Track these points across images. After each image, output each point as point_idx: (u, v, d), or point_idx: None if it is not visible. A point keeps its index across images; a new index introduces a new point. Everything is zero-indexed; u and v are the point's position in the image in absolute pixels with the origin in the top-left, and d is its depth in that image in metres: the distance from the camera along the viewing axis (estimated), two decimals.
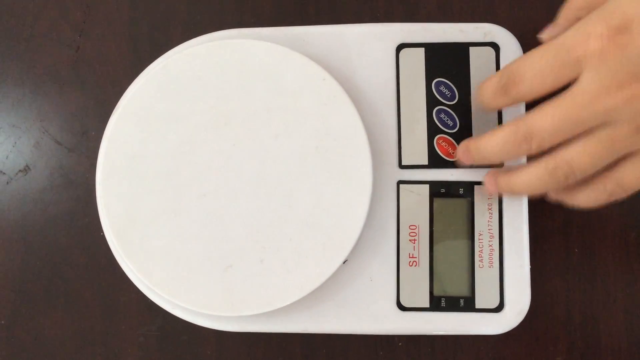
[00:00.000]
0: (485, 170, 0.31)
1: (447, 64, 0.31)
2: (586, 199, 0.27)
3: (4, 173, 0.36)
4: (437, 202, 0.31)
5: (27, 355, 0.34)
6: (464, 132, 0.31)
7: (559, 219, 0.33)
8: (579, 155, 0.25)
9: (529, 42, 0.33)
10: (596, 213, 0.33)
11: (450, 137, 0.31)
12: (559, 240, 0.33)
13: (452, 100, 0.31)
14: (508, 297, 0.31)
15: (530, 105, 0.27)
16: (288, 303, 0.29)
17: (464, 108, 0.31)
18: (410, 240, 0.31)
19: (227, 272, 0.30)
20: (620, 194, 0.26)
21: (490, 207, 0.31)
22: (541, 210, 0.33)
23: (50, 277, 0.35)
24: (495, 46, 0.31)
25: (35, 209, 0.35)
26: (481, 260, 0.31)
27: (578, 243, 0.33)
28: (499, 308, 0.31)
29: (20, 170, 0.35)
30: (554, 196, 0.28)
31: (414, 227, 0.31)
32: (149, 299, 0.32)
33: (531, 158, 0.28)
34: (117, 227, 0.30)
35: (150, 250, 0.30)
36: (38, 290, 0.35)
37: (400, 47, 0.32)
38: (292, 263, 0.30)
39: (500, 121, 0.31)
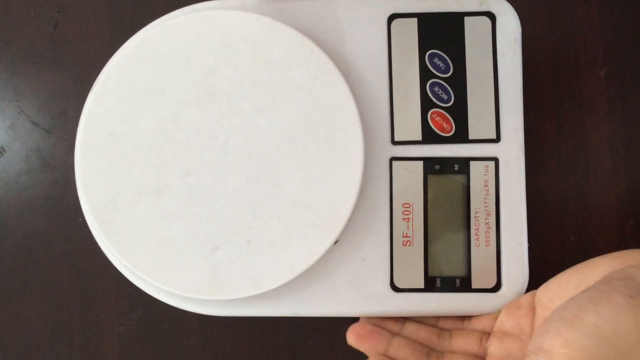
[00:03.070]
0: (482, 147, 0.30)
1: (441, 34, 0.31)
2: None
3: None
4: (432, 179, 0.30)
5: (2, 345, 0.33)
6: (459, 106, 0.31)
7: (555, 206, 0.33)
8: None
9: (526, 11, 0.33)
10: (593, 201, 0.33)
11: (445, 111, 0.31)
12: (554, 228, 0.33)
13: (447, 73, 0.31)
14: (505, 276, 0.30)
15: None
16: (277, 285, 0.29)
17: (459, 81, 0.30)
18: (403, 219, 0.30)
19: (213, 254, 0.29)
20: None
21: (486, 184, 0.30)
22: (537, 197, 0.33)
23: (26, 264, 0.34)
24: (491, 16, 0.31)
25: (11, 192, 0.34)
26: (477, 239, 0.30)
27: (574, 231, 0.33)
28: (496, 288, 0.30)
29: None
30: None
31: (408, 206, 0.30)
32: (128, 287, 0.31)
33: None
34: (97, 209, 0.30)
35: (132, 232, 0.29)
36: (13, 277, 0.34)
37: (392, 18, 0.31)
38: (281, 244, 0.29)
39: (497, 97, 0.30)
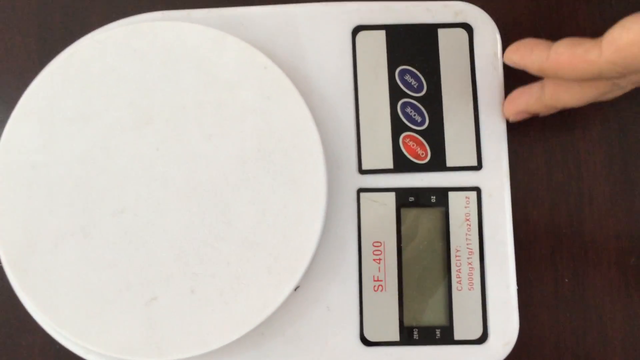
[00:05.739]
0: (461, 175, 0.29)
1: (413, 49, 0.30)
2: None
3: None
4: (406, 212, 0.30)
5: None
6: (435, 129, 0.30)
7: (546, 243, 0.32)
8: None
9: (507, 23, 0.33)
10: (589, 236, 0.32)
11: (419, 135, 0.30)
12: (546, 268, 0.32)
13: (420, 92, 0.30)
14: (492, 325, 0.29)
15: None
16: (226, 342, 0.27)
17: (433, 101, 0.30)
18: (374, 259, 0.29)
19: (151, 306, 0.28)
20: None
21: (468, 218, 0.29)
22: (525, 232, 0.32)
23: None
24: (467, 27, 0.31)
25: None
26: (459, 282, 0.29)
27: (569, 272, 0.31)
28: (483, 339, 0.29)
29: None
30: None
31: (379, 244, 0.29)
32: (56, 344, 0.29)
33: None
34: (13, 254, 0.28)
35: (54, 282, 0.28)
36: None
37: (357, 30, 0.31)
38: (231, 292, 0.28)
39: (477, 119, 0.30)
